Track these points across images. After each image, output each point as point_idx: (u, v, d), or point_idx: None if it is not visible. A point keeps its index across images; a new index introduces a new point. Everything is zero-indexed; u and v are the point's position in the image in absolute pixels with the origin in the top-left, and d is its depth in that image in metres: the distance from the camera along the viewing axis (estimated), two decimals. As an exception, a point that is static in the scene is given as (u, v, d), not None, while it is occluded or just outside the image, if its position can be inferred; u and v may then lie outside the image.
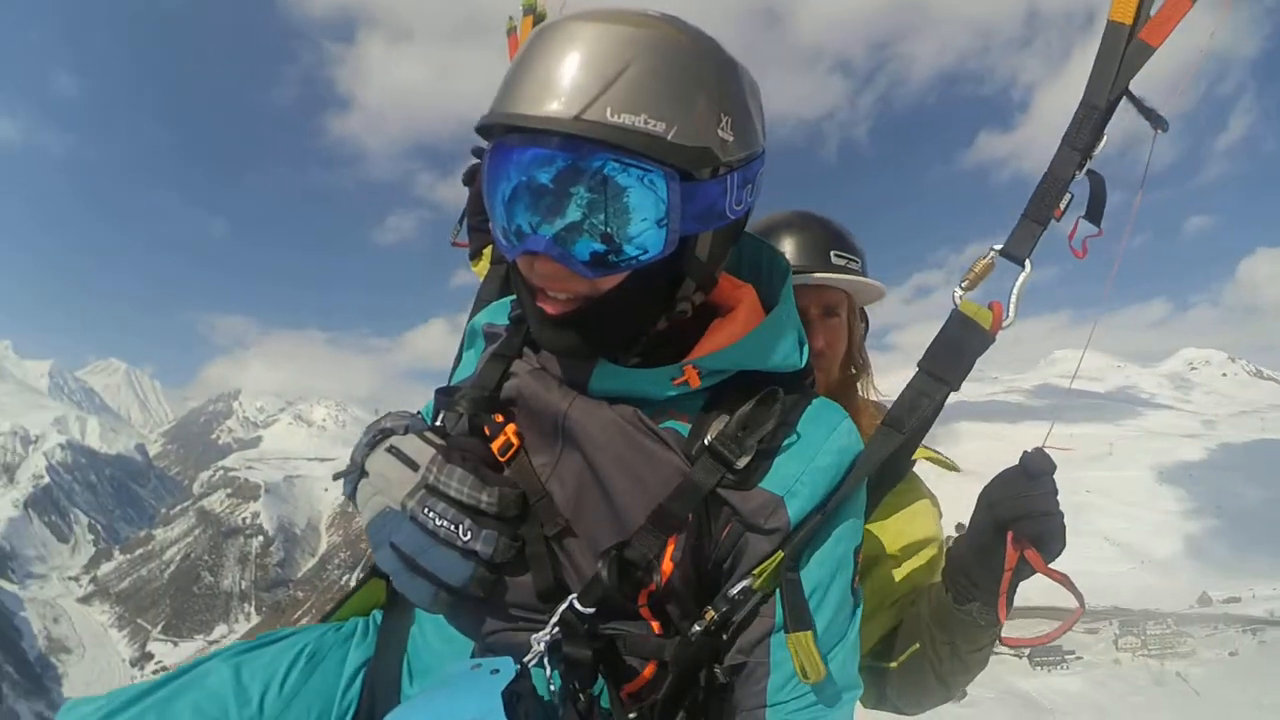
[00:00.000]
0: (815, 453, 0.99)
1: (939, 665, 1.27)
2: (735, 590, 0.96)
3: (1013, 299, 1.09)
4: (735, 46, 0.93)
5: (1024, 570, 1.09)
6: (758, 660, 0.96)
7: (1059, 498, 1.09)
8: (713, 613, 0.96)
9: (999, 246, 1.11)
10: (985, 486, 1.14)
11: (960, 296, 1.11)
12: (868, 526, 1.30)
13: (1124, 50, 1.03)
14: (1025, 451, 1.10)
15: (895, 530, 1.45)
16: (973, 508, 1.17)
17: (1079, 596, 1.08)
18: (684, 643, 0.96)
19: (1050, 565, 1.09)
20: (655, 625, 0.98)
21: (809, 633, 0.92)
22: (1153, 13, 1.02)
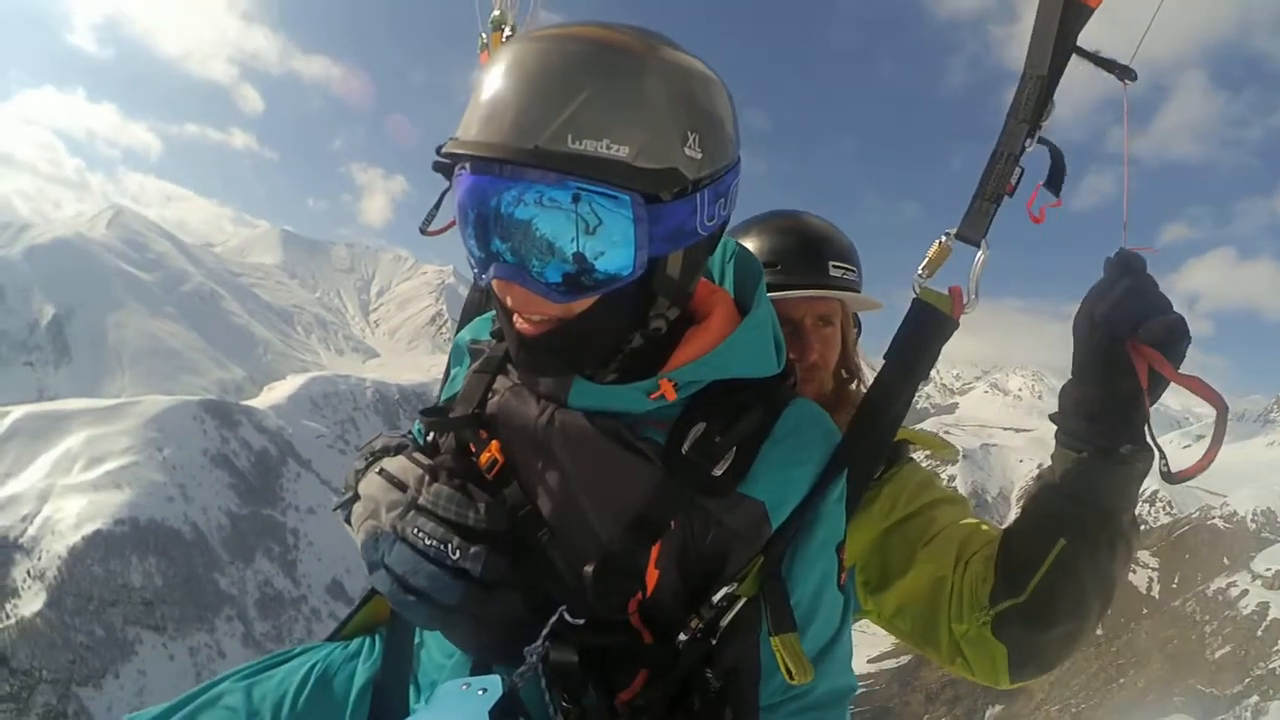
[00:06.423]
0: (793, 456, 1.00)
1: (1096, 550, 1.09)
2: (720, 595, 0.97)
3: (972, 282, 1.07)
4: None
5: (1156, 386, 0.98)
6: (747, 665, 0.97)
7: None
8: (698, 619, 0.97)
9: (953, 230, 1.08)
10: (1080, 309, 1.03)
11: (920, 285, 1.10)
12: (883, 491, 1.32)
13: (1061, 13, 1.01)
14: (1108, 258, 1.02)
15: (911, 492, 1.38)
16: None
17: (1218, 398, 0.94)
18: (673, 650, 0.98)
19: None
20: (645, 634, 1.00)
21: (794, 634, 0.93)
22: None
